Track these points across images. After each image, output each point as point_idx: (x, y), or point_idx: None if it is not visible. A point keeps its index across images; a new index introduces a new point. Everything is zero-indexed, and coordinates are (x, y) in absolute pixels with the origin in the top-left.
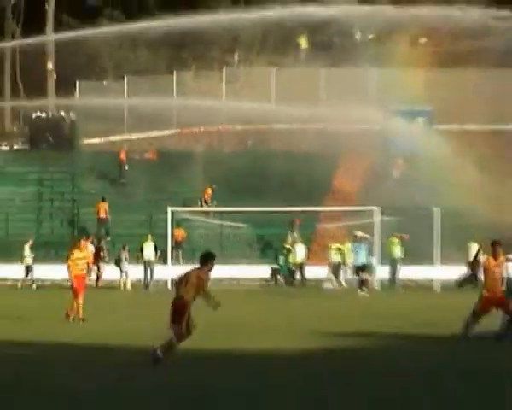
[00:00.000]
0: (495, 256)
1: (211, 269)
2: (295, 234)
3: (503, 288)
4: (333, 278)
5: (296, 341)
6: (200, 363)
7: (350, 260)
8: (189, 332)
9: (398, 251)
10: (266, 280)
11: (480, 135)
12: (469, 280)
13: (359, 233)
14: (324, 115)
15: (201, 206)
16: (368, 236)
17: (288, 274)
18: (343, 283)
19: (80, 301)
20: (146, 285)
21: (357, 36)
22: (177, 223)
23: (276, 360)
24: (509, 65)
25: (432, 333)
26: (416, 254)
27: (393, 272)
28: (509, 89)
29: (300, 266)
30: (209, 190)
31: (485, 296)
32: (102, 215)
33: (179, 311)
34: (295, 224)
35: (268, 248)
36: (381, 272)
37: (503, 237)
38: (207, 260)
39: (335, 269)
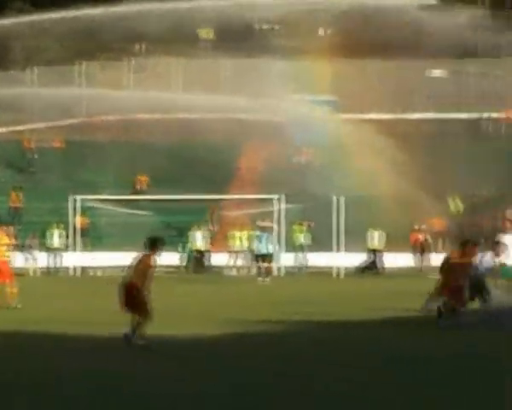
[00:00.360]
0: (463, 253)
1: (159, 254)
2: (214, 222)
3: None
4: (235, 264)
5: (202, 327)
6: (107, 349)
7: (252, 248)
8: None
9: (304, 238)
10: (172, 267)
11: (384, 124)
12: (370, 267)
13: (262, 223)
14: (229, 105)
15: (134, 194)
16: (271, 224)
17: (194, 261)
18: (251, 270)
19: (11, 288)
20: (52, 271)
21: (263, 26)
22: (82, 211)
23: (182, 346)
24: (411, 56)
25: (333, 319)
26: (320, 242)
27: (300, 258)
28: (412, 79)
29: (204, 253)
30: (143, 179)
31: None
32: (15, 204)
33: (131, 295)
34: (212, 211)
35: (174, 235)
36: (287, 260)
37: (403, 225)
38: (155, 245)
39: (238, 256)
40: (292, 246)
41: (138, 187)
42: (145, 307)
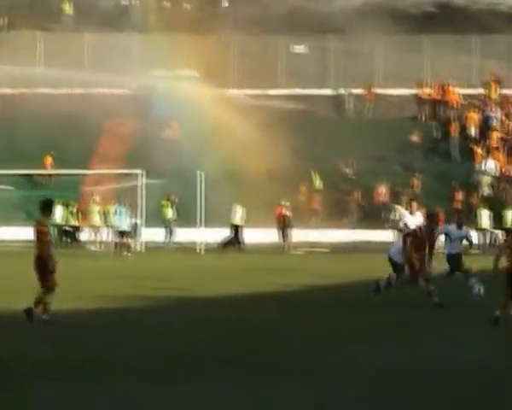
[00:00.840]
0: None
1: (49, 215)
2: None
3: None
4: (96, 239)
5: (68, 302)
6: None
7: (113, 223)
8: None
9: (170, 213)
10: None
11: (245, 99)
12: (232, 242)
13: (123, 199)
14: (91, 80)
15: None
16: (128, 203)
17: (58, 236)
18: (113, 246)
19: None
20: None
21: (122, 2)
22: None
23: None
24: (274, 31)
25: (192, 295)
26: (185, 217)
27: (167, 234)
28: (275, 55)
29: (69, 228)
30: (49, 159)
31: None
32: None
33: (41, 268)
34: (78, 187)
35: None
36: (154, 235)
37: (267, 201)
38: (46, 207)
39: (99, 231)
40: (161, 221)
41: None
42: (48, 277)
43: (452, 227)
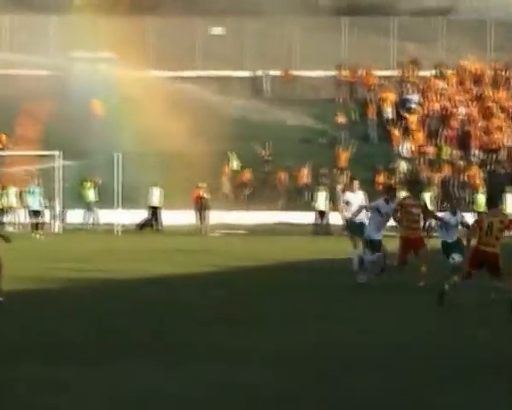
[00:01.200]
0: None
1: None
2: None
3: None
4: (14, 220)
5: None
6: None
7: (26, 203)
8: None
9: (92, 195)
10: None
11: (163, 81)
12: (149, 224)
13: (37, 179)
14: (7, 61)
15: None
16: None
17: None
18: (27, 226)
19: None
20: None
21: None
22: None
23: None
24: (191, 13)
25: (107, 276)
26: (104, 199)
27: (88, 215)
28: (193, 36)
29: None
30: (3, 137)
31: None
32: None
33: None
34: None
35: None
36: (68, 216)
37: (186, 183)
38: None
39: (16, 212)
40: (81, 203)
41: None
42: None
43: (447, 215)
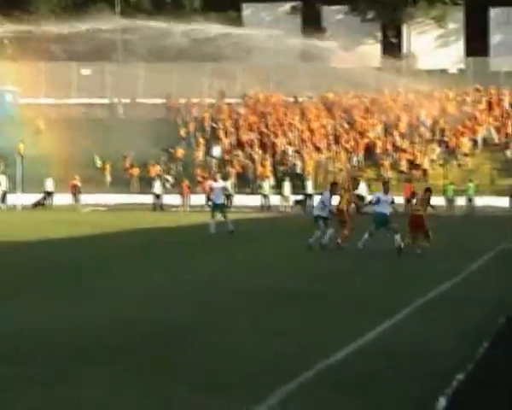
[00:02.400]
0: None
1: None
2: None
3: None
4: None
5: None
6: None
7: None
8: None
9: (4, 181)
10: None
11: (50, 105)
12: (42, 203)
13: None
14: None
15: None
16: None
17: None
18: None
19: None
20: None
21: None
22: None
23: None
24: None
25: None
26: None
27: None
28: (69, 75)
29: None
30: None
31: None
32: None
33: None
34: None
35: None
36: None
37: (68, 175)
38: None
39: None
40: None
41: None
42: None
43: (380, 194)
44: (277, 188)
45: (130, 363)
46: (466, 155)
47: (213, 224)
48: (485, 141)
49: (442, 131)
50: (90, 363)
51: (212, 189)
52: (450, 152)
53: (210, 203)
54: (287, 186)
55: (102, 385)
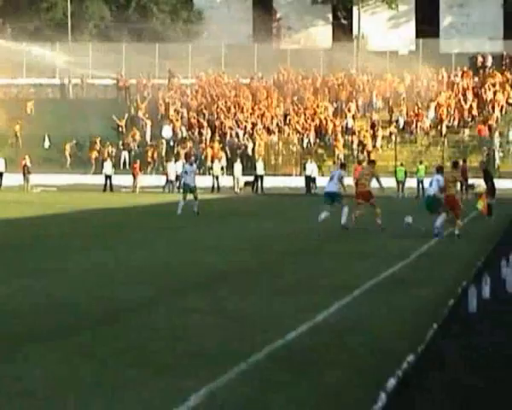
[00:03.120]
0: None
1: None
2: None
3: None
4: None
5: None
6: None
7: None
8: None
9: None
10: None
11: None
12: None
13: None
14: None
15: None
16: None
17: None
18: None
19: None
20: None
21: None
22: None
23: None
24: None
25: None
26: None
27: None
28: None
29: None
30: None
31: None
32: None
33: None
34: None
35: None
36: None
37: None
38: None
39: None
40: None
41: None
42: None
43: (335, 171)
44: (229, 169)
45: (72, 342)
46: (416, 137)
47: (182, 205)
48: (437, 123)
49: (391, 111)
50: (35, 340)
51: (186, 172)
52: (403, 133)
53: (181, 185)
54: (237, 168)
55: (45, 364)
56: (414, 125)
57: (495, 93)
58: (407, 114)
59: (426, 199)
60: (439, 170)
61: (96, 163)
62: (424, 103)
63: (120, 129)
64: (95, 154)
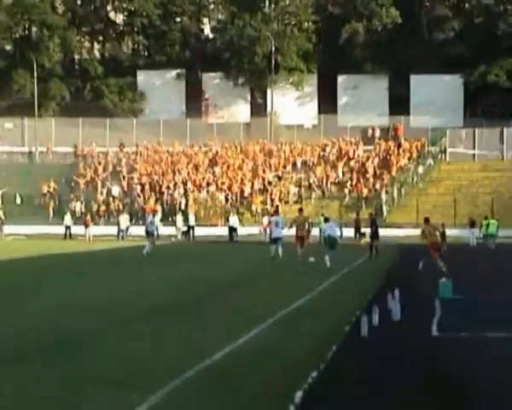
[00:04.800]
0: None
1: None
2: None
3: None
4: None
5: None
6: None
7: None
8: None
9: None
10: None
11: None
12: None
13: None
14: None
15: None
16: None
17: None
18: None
19: None
20: None
21: None
22: None
23: None
24: None
25: None
26: None
27: None
28: None
29: None
30: None
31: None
32: None
33: None
34: None
35: None
36: None
37: None
38: None
39: None
40: None
41: None
42: None
43: (277, 217)
44: (165, 220)
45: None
46: (323, 192)
47: (146, 248)
48: (336, 182)
49: (305, 172)
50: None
51: (151, 222)
52: (308, 190)
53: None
54: (179, 219)
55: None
56: (322, 184)
57: (384, 158)
58: (314, 174)
59: (329, 239)
60: (327, 220)
61: (54, 214)
62: (329, 166)
63: (78, 187)
64: (52, 206)
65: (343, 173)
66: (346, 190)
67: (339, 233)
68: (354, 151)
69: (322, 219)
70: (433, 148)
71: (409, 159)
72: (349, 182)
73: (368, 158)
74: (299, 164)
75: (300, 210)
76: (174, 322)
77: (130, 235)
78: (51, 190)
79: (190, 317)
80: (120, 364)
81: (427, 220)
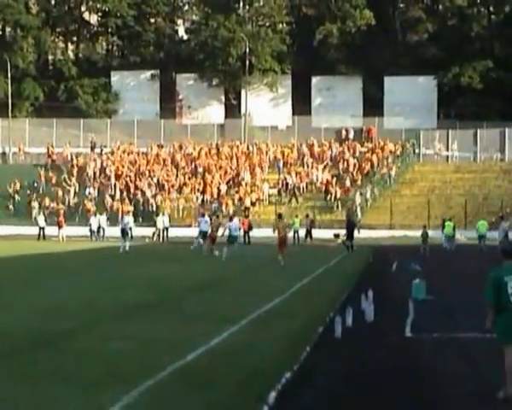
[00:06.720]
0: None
1: None
2: None
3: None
4: None
5: None
6: None
7: None
8: None
9: None
10: None
11: None
12: None
13: None
14: None
15: None
16: None
17: None
18: None
19: None
20: None
21: None
22: None
23: None
24: None
25: None
26: None
27: None
28: None
29: None
30: None
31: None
32: None
33: None
34: None
35: None
36: None
37: None
38: None
39: None
40: None
41: None
42: None
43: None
44: (138, 221)
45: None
46: (294, 193)
47: (122, 246)
48: (310, 183)
49: (280, 173)
50: None
51: (126, 223)
52: (287, 192)
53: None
54: (159, 220)
55: None
56: (295, 185)
57: (357, 159)
58: (295, 174)
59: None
60: (280, 216)
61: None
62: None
63: (49, 188)
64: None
65: (317, 175)
66: (320, 192)
67: None
68: (328, 152)
69: (296, 220)
70: (407, 149)
71: (382, 160)
72: (322, 183)
73: (341, 159)
74: (275, 165)
75: (280, 216)
76: (148, 322)
77: (102, 236)
78: (17, 189)
79: (164, 317)
80: (90, 364)
81: (280, 216)
